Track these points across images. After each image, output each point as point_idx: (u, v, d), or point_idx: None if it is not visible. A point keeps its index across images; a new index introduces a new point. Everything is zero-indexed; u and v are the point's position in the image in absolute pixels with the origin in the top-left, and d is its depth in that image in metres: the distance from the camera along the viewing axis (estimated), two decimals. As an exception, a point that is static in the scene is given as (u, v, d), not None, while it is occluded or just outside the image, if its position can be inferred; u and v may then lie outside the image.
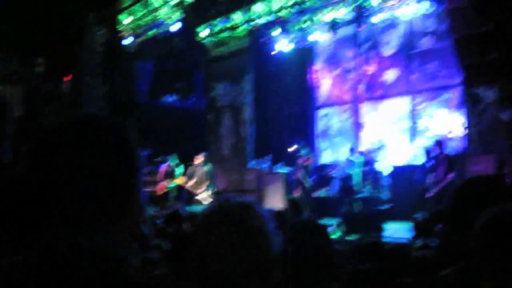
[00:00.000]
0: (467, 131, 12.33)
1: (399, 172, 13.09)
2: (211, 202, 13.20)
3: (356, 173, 12.81)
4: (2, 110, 2.10)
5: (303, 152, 14.56)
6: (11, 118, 2.10)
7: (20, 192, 1.14)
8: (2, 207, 1.76)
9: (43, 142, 1.11)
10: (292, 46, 16.72)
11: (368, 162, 13.17)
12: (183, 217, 7.10)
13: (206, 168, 13.78)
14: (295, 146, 15.43)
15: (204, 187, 13.53)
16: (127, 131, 1.18)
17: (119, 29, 16.11)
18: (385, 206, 13.04)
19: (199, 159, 13.83)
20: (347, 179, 12.74)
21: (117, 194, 1.13)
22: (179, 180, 13.76)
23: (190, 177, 13.90)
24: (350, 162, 12.86)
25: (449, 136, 13.58)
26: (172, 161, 14.04)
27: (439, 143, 11.49)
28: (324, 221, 8.59)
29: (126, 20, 15.90)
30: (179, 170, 13.90)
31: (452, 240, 1.80)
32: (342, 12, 14.34)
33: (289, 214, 7.78)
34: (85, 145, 1.10)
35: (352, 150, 13.48)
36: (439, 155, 11.29)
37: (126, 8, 15.65)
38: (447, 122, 14.12)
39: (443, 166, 11.10)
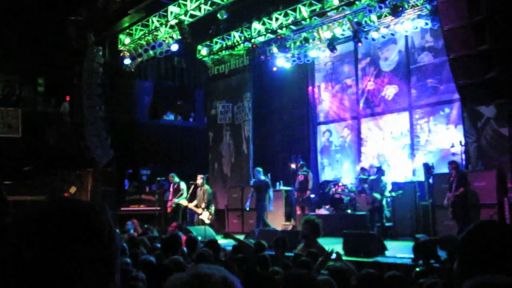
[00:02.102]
0: (465, 147, 12.29)
1: (400, 189, 12.96)
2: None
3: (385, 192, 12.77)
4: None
5: (303, 169, 14.49)
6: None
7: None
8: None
9: (19, 235, 1.12)
10: (291, 63, 16.81)
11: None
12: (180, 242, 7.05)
13: (205, 188, 13.76)
14: (296, 164, 15.35)
15: (204, 207, 13.51)
16: (102, 215, 1.20)
17: (119, 49, 16.19)
18: (387, 224, 12.96)
19: (199, 179, 13.81)
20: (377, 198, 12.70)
21: (95, 279, 1.14)
22: (183, 200, 13.78)
23: (191, 197, 13.88)
24: (380, 181, 12.79)
25: (452, 151, 13.49)
26: (175, 179, 14.11)
27: (453, 163, 11.46)
28: (325, 240, 8.53)
29: (126, 40, 15.99)
30: (184, 187, 13.94)
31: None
32: (341, 29, 14.38)
33: (306, 234, 7.77)
34: (61, 236, 1.12)
35: (379, 169, 13.28)
36: (453, 174, 11.23)
37: (126, 28, 15.73)
38: (448, 137, 14.05)
39: (455, 183, 11.08)
